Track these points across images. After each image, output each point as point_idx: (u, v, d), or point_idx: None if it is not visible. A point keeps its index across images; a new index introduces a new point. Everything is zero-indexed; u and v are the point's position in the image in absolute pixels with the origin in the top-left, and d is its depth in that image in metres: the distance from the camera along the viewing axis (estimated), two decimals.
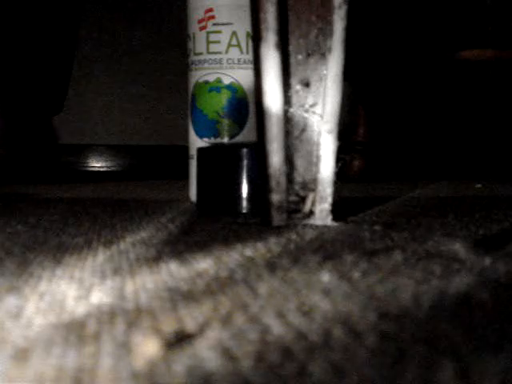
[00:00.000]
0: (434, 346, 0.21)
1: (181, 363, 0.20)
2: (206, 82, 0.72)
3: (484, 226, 0.50)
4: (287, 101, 0.50)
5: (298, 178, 0.50)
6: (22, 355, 0.21)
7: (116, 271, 0.34)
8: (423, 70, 1.45)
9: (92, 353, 0.21)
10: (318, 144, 0.50)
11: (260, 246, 0.41)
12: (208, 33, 0.72)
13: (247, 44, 0.71)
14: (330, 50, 0.50)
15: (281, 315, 0.25)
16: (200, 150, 0.63)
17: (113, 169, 1.69)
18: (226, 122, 0.71)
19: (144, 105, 1.73)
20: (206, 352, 0.21)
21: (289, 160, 0.50)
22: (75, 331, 0.23)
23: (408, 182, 1.20)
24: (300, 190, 0.50)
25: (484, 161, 1.50)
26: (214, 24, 0.72)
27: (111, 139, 1.70)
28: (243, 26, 0.71)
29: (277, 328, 0.23)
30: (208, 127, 0.72)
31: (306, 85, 0.50)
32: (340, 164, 0.49)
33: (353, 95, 1.26)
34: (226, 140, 0.71)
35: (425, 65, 1.44)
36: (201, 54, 0.72)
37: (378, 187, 1.11)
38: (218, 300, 0.27)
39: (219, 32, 0.71)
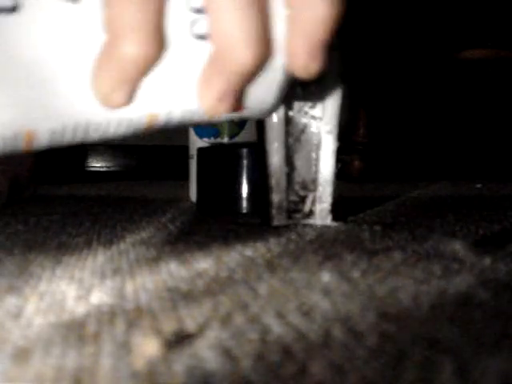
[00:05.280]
0: (433, 345, 0.21)
1: (181, 363, 0.20)
2: None
3: (484, 226, 0.50)
4: (287, 101, 0.50)
5: (297, 178, 0.50)
6: (22, 355, 0.21)
7: (116, 271, 0.34)
8: (423, 70, 1.45)
9: (92, 353, 0.21)
10: (317, 144, 0.50)
11: (260, 245, 0.41)
12: None
13: None
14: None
15: (281, 315, 0.25)
16: (200, 150, 0.63)
17: (113, 169, 1.69)
18: (226, 122, 0.71)
19: None
20: (205, 352, 0.21)
21: (289, 160, 0.50)
22: (75, 331, 0.23)
23: (408, 182, 1.20)
24: (300, 190, 0.50)
25: (484, 161, 1.50)
26: None
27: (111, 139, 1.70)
28: None
29: (277, 328, 0.23)
30: (208, 127, 0.72)
31: (306, 85, 0.50)
32: (340, 164, 0.49)
33: (353, 96, 1.26)
34: (225, 140, 0.71)
35: (424, 65, 1.44)
36: None
37: (378, 187, 1.11)
38: (218, 300, 0.27)
39: None
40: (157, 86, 0.29)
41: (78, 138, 0.29)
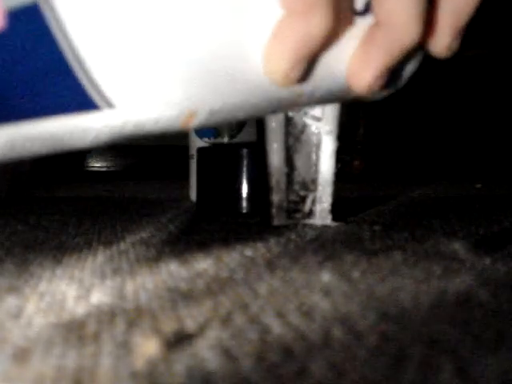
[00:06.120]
0: (433, 346, 0.21)
1: (181, 363, 0.20)
2: None
3: (484, 226, 0.50)
4: None
5: (297, 178, 0.50)
6: (21, 355, 0.21)
7: (116, 271, 0.34)
8: (422, 70, 1.45)
9: (92, 353, 0.21)
10: (317, 144, 0.50)
11: (260, 245, 0.41)
12: None
13: None
14: None
15: (281, 315, 0.25)
16: (200, 150, 0.63)
17: (113, 169, 1.69)
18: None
19: None
20: (205, 352, 0.21)
21: (289, 160, 0.50)
22: (75, 331, 0.23)
23: (408, 182, 1.20)
24: (300, 190, 0.50)
25: (484, 161, 1.50)
26: None
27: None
28: None
29: (277, 328, 0.23)
30: (208, 127, 0.72)
31: None
32: (340, 164, 0.49)
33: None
34: (225, 140, 0.71)
35: (424, 64, 1.44)
36: None
37: (378, 187, 1.11)
38: (218, 300, 0.27)
39: None
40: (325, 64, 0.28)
41: (233, 116, 0.29)
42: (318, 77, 0.29)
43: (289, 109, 0.31)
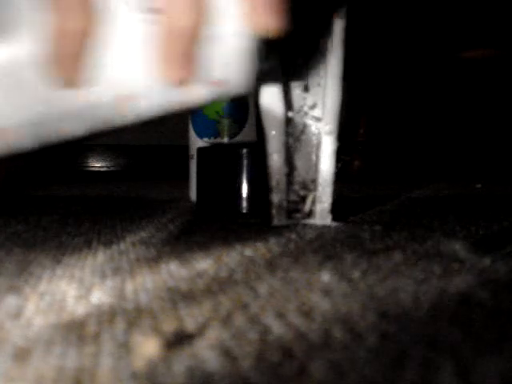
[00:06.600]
0: (433, 345, 0.21)
1: (181, 363, 0.20)
2: None
3: (484, 226, 0.50)
4: (287, 102, 0.50)
5: (297, 178, 0.50)
6: (21, 355, 0.21)
7: (116, 271, 0.34)
8: (423, 70, 1.45)
9: (92, 353, 0.21)
10: (317, 145, 0.50)
11: (260, 245, 0.41)
12: None
13: None
14: (329, 50, 0.50)
15: (281, 315, 0.25)
16: (200, 150, 0.63)
17: (113, 169, 1.69)
18: (225, 122, 0.71)
19: None
20: (206, 352, 0.21)
21: (289, 160, 0.50)
22: (75, 331, 0.23)
23: (408, 182, 1.20)
24: (300, 190, 0.50)
25: (484, 161, 1.50)
26: None
27: (111, 139, 1.69)
28: None
29: (277, 328, 0.23)
30: (208, 127, 0.72)
31: (306, 86, 0.50)
32: (340, 164, 0.49)
33: (353, 96, 1.26)
34: (226, 140, 0.71)
35: (424, 65, 1.44)
36: None
37: (377, 187, 1.11)
38: (218, 300, 0.27)
39: None
40: (120, 65, 0.29)
41: (70, 128, 0.29)
42: (139, 78, 0.29)
43: (134, 120, 0.31)
